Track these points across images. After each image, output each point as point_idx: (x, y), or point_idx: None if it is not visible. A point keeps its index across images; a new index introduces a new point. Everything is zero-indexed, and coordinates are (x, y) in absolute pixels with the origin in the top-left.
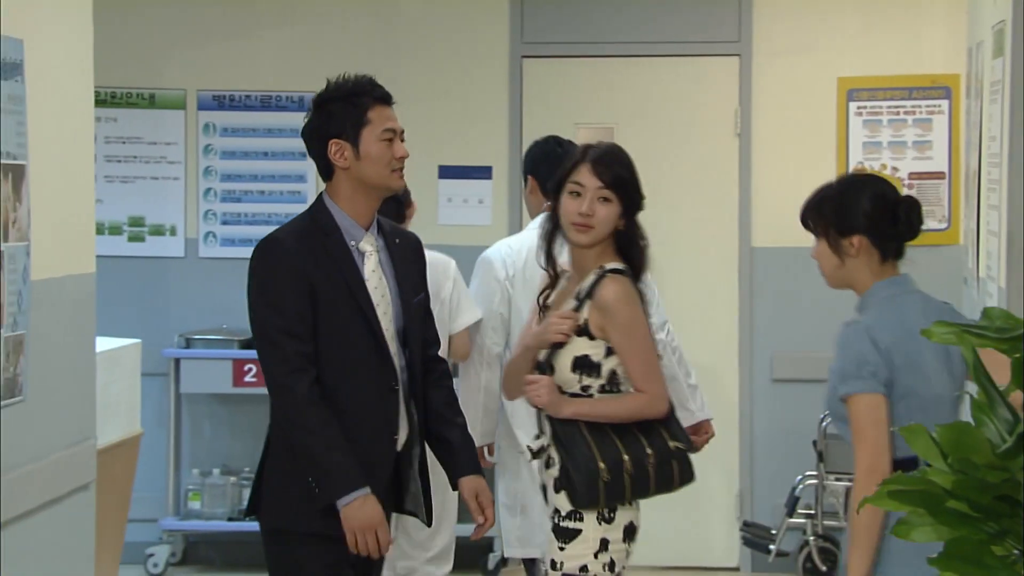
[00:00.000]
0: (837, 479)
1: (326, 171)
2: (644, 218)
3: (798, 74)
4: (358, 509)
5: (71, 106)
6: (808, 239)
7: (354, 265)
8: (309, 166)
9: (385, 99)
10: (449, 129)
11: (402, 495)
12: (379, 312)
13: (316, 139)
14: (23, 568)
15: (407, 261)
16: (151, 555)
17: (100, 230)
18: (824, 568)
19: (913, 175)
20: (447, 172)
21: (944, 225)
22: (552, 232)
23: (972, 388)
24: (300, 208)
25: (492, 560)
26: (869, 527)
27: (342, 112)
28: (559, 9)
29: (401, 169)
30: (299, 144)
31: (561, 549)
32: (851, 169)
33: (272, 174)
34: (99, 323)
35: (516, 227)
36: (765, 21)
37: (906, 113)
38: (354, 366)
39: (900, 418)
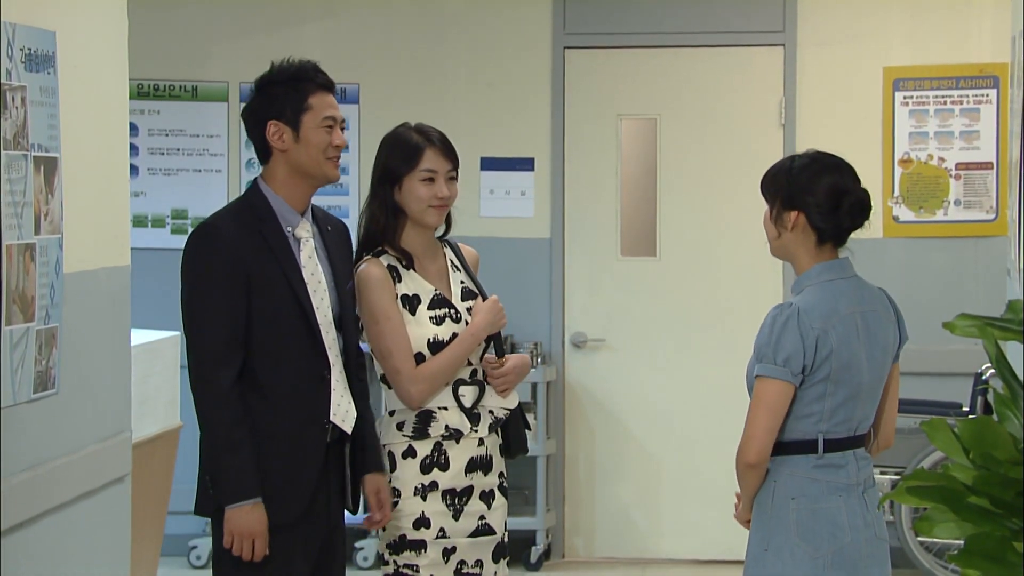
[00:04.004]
0: (882, 472)
1: (263, 154)
2: (690, 209)
3: (843, 64)
4: (244, 515)
5: (105, 98)
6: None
7: (290, 251)
8: (351, 158)
9: (328, 86)
10: (491, 121)
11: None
12: (315, 299)
13: (255, 120)
14: (59, 561)
15: (340, 248)
16: (194, 547)
17: (143, 223)
18: None
19: (960, 165)
20: (489, 164)
21: (992, 216)
22: (396, 222)
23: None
24: (342, 200)
25: (535, 553)
26: (740, 486)
27: (284, 95)
28: None
29: (338, 158)
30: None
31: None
32: (897, 160)
33: None
34: (141, 315)
35: (559, 219)
36: (810, 10)
37: (953, 103)
38: (286, 352)
39: (824, 402)
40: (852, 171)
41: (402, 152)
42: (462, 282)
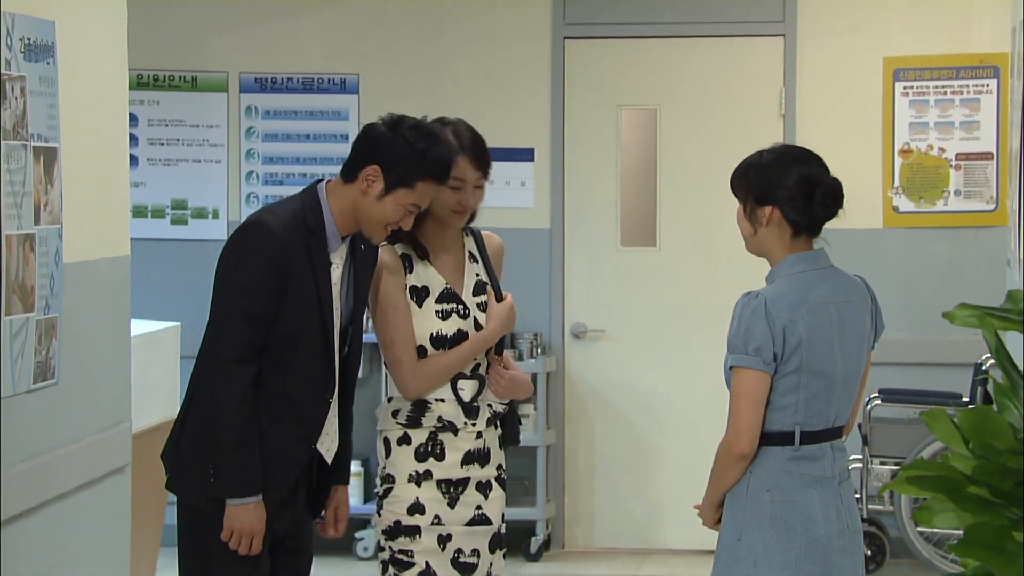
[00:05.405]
0: (882, 463)
1: (350, 176)
2: (689, 199)
3: (843, 54)
4: (245, 513)
5: (105, 88)
6: (846, 222)
7: (328, 272)
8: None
9: (442, 180)
10: (491, 111)
11: (321, 500)
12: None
13: (369, 149)
14: (59, 551)
15: (366, 271)
16: None
17: (143, 213)
18: (869, 552)
19: (960, 155)
20: None
21: (992, 206)
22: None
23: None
24: None
25: (534, 544)
26: (719, 480)
27: (405, 159)
28: None
29: (390, 231)
30: (341, 127)
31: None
32: (897, 150)
33: (314, 157)
34: (142, 306)
35: (559, 209)
36: (810, 1)
37: (953, 93)
38: (298, 367)
39: (799, 394)
40: (821, 161)
41: None
42: (477, 275)
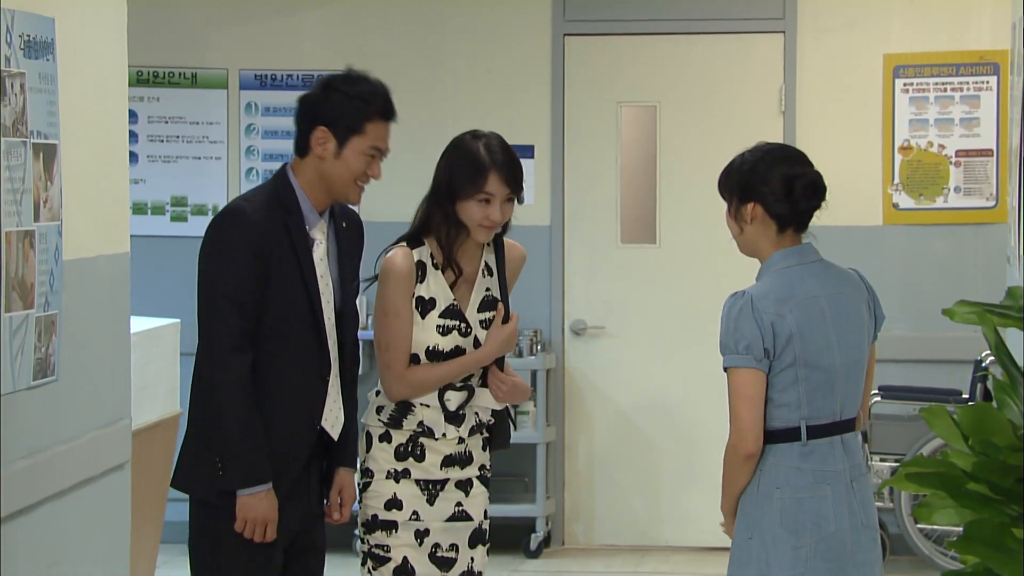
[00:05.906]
0: (882, 459)
1: (301, 149)
2: (689, 196)
3: (843, 51)
4: (258, 501)
5: (105, 85)
6: (846, 219)
7: (308, 251)
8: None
9: (388, 115)
10: (490, 107)
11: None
12: (323, 300)
13: (308, 117)
14: (59, 547)
15: (352, 245)
16: None
17: (143, 210)
18: None
19: (960, 152)
20: None
21: (992, 203)
22: (458, 236)
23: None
24: None
25: (534, 541)
26: (731, 483)
27: (345, 108)
28: None
29: (364, 187)
30: None
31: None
32: (897, 147)
33: None
34: (142, 303)
35: (559, 206)
36: None
37: (953, 90)
38: (290, 350)
39: (800, 388)
40: (802, 156)
41: (467, 173)
42: (487, 289)
